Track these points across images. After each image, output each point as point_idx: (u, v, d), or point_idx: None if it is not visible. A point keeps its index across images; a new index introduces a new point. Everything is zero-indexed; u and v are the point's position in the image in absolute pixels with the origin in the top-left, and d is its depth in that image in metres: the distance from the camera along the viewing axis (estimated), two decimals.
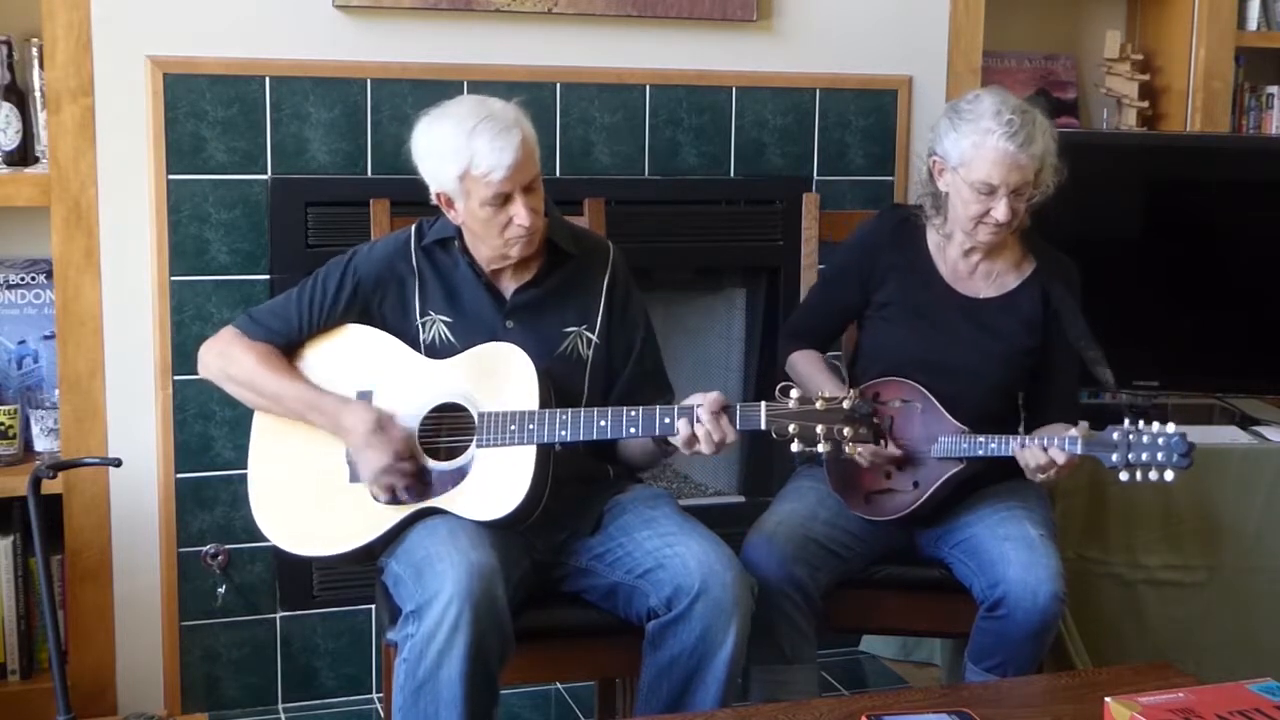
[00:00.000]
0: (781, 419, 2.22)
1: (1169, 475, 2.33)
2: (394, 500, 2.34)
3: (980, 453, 2.47)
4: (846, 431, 2.20)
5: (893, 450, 2.50)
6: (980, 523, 2.56)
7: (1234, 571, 3.13)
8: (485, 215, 2.33)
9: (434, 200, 2.40)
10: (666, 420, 2.27)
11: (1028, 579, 2.42)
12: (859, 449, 2.26)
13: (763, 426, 2.23)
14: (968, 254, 2.64)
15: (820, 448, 2.21)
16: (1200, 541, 3.12)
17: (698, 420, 2.23)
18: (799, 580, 2.49)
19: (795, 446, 2.21)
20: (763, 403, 2.25)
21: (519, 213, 2.31)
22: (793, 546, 2.51)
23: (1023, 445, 2.43)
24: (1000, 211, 2.49)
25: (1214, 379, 3.31)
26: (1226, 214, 3.29)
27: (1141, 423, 2.34)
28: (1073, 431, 2.40)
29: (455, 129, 2.31)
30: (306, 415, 2.40)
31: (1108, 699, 1.95)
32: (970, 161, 2.49)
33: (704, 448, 2.25)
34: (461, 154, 2.29)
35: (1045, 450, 2.39)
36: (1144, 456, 2.33)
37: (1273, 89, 3.95)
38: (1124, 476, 2.35)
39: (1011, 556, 2.46)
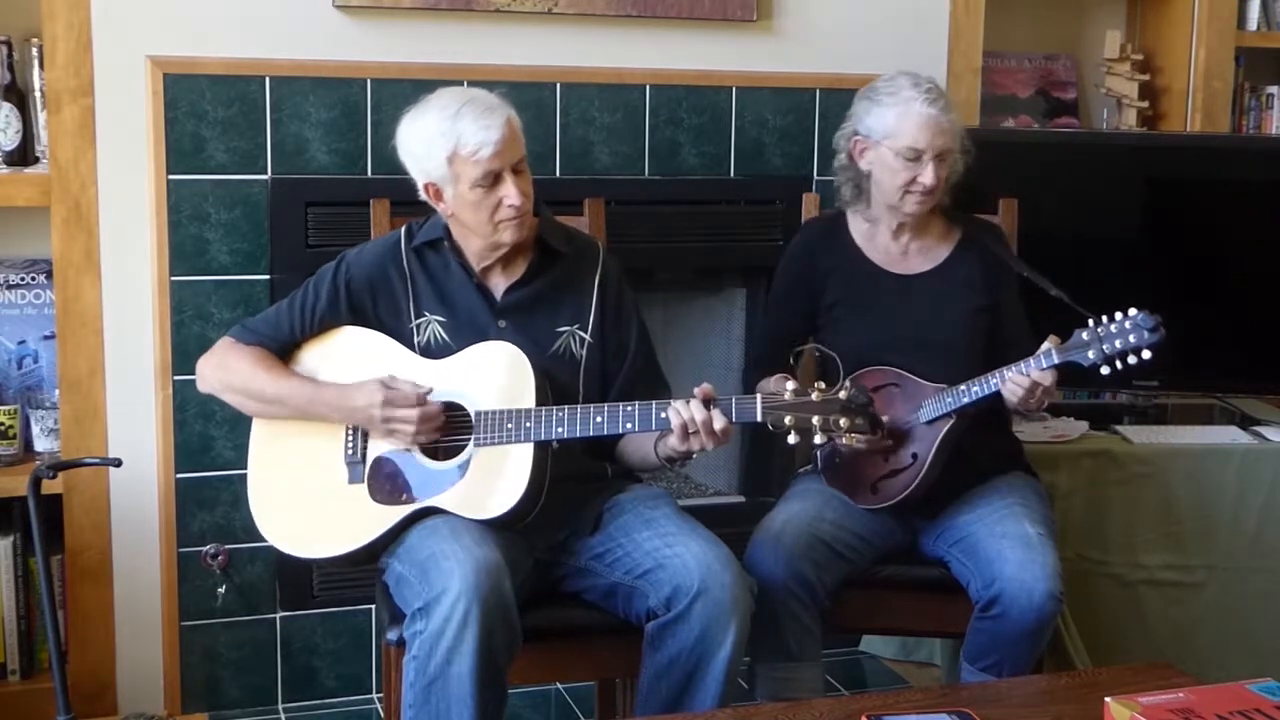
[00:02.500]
0: (777, 410, 2.22)
1: (1146, 354, 2.36)
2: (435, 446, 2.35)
3: (965, 400, 2.50)
4: (843, 422, 2.20)
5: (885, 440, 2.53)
6: (979, 521, 2.57)
7: (1234, 571, 3.13)
8: (475, 198, 2.33)
9: (422, 194, 2.41)
10: (663, 415, 2.27)
11: (1023, 577, 2.42)
12: (856, 438, 2.26)
13: (759, 418, 2.24)
14: (897, 235, 2.71)
15: (817, 439, 2.21)
16: (1200, 541, 3.12)
17: (685, 406, 2.24)
18: (806, 578, 2.50)
19: (792, 439, 2.22)
20: (759, 394, 2.26)
21: (509, 193, 2.32)
22: (800, 545, 2.52)
23: (1003, 379, 2.46)
24: (927, 176, 2.58)
25: (1214, 379, 3.31)
26: (1226, 214, 3.29)
27: (1104, 317, 2.38)
28: (1045, 345, 2.43)
29: (439, 115, 2.34)
30: (311, 410, 2.40)
31: (1108, 699, 1.95)
32: (897, 131, 2.59)
33: (691, 441, 2.25)
34: (448, 136, 2.31)
35: (1026, 375, 2.42)
36: (1117, 345, 2.36)
37: (1273, 89, 3.95)
38: (1105, 370, 2.38)
39: (1008, 554, 2.46)
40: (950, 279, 2.69)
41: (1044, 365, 2.42)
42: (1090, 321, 2.39)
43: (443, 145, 2.31)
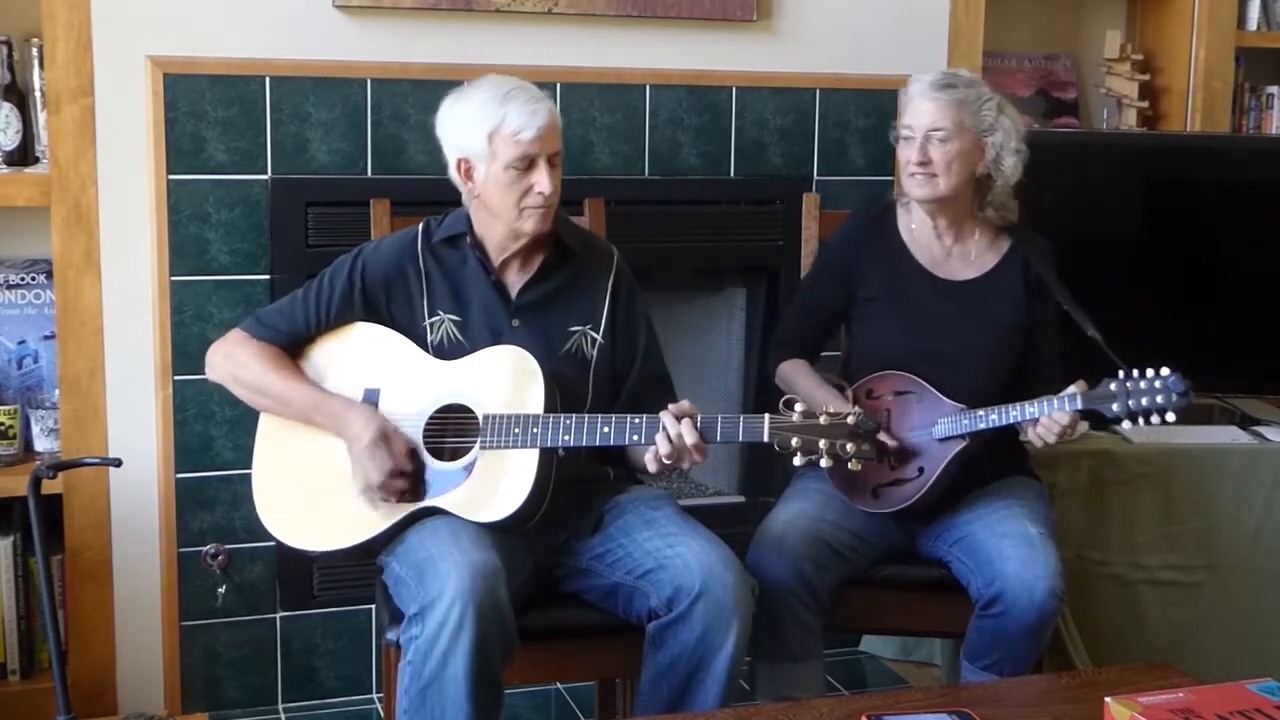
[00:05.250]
0: (785, 432, 2.23)
1: (1170, 416, 2.34)
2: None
3: (981, 426, 2.48)
4: (849, 447, 2.21)
5: (891, 443, 2.53)
6: (979, 520, 2.57)
7: (1234, 571, 3.12)
8: (507, 180, 2.34)
9: (453, 172, 2.42)
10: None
11: (1025, 575, 2.42)
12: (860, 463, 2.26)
13: (765, 439, 2.24)
14: (939, 235, 2.69)
15: (823, 462, 2.22)
16: (1200, 541, 3.11)
17: (665, 429, 2.25)
18: (807, 578, 2.50)
19: (798, 460, 2.23)
20: (766, 415, 2.26)
21: (540, 180, 2.33)
22: (801, 545, 2.52)
23: (1023, 414, 2.45)
24: (910, 152, 2.58)
25: (1214, 379, 3.30)
26: (1226, 214, 3.29)
27: (1135, 371, 2.36)
28: (1070, 389, 2.42)
29: (488, 95, 2.36)
30: (312, 416, 2.40)
31: (1108, 699, 1.95)
32: (900, 116, 2.63)
33: (668, 458, 2.25)
34: (494, 114, 2.33)
35: (1051, 416, 2.41)
36: (1144, 402, 2.35)
37: (1273, 89, 3.95)
38: (1127, 425, 2.38)
39: (1010, 553, 2.46)
40: (992, 291, 2.66)
41: (1067, 409, 2.40)
42: (1120, 373, 2.37)
43: (487, 122, 2.33)
